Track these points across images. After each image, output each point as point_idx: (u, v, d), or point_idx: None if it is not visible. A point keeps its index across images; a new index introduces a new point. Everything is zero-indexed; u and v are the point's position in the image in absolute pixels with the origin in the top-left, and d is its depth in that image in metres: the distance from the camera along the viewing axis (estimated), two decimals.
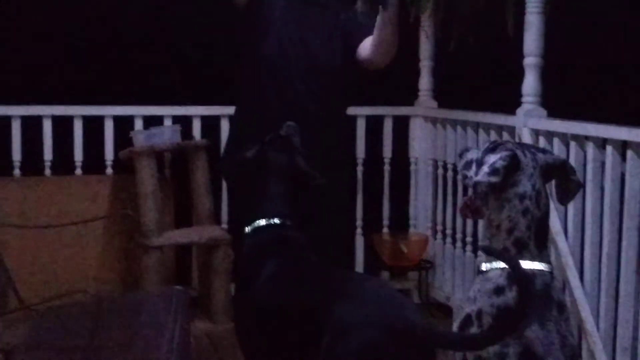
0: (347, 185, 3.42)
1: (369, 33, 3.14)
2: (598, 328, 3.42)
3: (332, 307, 2.27)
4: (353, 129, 4.78)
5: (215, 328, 4.34)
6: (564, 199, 2.39)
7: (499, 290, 2.20)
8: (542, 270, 2.23)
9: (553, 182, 2.38)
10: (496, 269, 2.23)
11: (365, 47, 3.19)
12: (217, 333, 4.30)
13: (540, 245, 2.25)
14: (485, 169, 2.23)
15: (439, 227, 4.84)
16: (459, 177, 2.47)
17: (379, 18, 3.03)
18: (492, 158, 2.25)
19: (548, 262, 2.26)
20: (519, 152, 2.26)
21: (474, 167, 2.32)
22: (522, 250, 2.23)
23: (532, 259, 2.23)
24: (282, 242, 2.64)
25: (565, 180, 2.33)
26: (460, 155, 2.45)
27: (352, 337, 2.20)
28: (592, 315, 3.44)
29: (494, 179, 2.21)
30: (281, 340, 2.44)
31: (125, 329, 2.52)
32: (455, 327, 2.28)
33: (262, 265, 2.55)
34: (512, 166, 2.23)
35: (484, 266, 2.27)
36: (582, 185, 2.41)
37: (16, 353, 2.37)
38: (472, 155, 2.37)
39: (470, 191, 2.41)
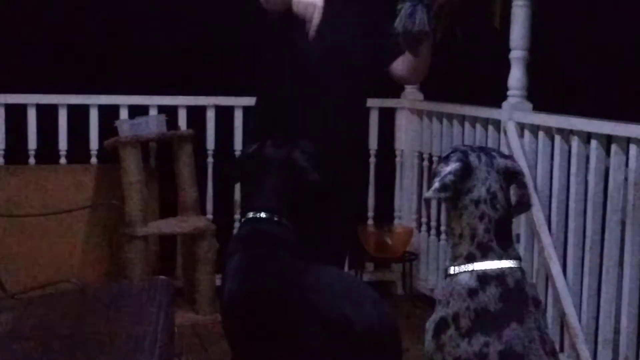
0: (360, 181, 3.41)
1: (403, 52, 3.09)
2: (580, 320, 3.44)
3: (288, 301, 2.41)
4: None
5: (200, 318, 4.34)
6: (516, 210, 2.36)
7: (472, 293, 2.20)
8: (511, 267, 2.23)
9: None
10: (465, 271, 2.23)
11: (400, 65, 3.12)
12: (201, 323, 4.30)
13: (505, 244, 2.24)
14: (436, 184, 2.23)
15: (424, 219, 4.85)
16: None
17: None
18: (444, 170, 2.24)
19: (516, 257, 2.25)
20: (472, 158, 2.24)
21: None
22: (487, 253, 2.23)
23: (499, 258, 2.23)
24: (253, 237, 2.69)
25: (520, 191, 2.31)
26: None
27: (308, 328, 2.35)
28: (574, 307, 3.46)
29: (443, 195, 2.22)
30: (246, 332, 2.51)
31: (108, 319, 2.52)
32: (430, 330, 2.27)
33: (230, 258, 2.65)
34: (464, 176, 2.23)
35: (452, 269, 2.26)
36: (529, 206, 2.37)
37: None
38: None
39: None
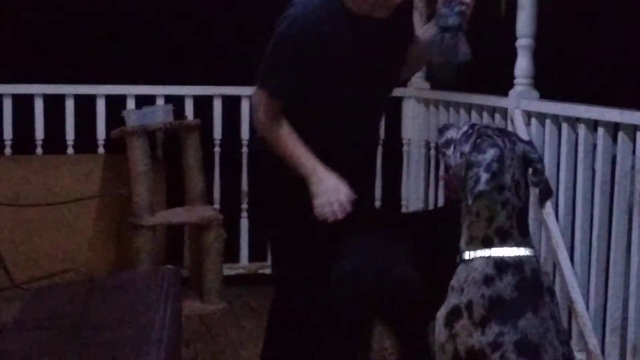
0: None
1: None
2: (588, 308, 3.44)
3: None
4: None
5: (207, 308, 4.35)
6: (542, 198, 2.37)
7: (488, 280, 2.18)
8: (529, 255, 2.21)
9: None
10: (481, 257, 2.20)
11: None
12: (208, 313, 4.31)
13: (524, 232, 2.23)
14: (485, 175, 2.16)
15: (431, 208, 4.84)
16: (440, 154, 2.43)
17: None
18: (482, 159, 2.20)
19: (532, 247, 2.24)
20: (499, 142, 2.22)
21: (452, 148, 2.30)
22: (507, 239, 2.20)
23: (518, 245, 2.21)
24: None
25: (537, 178, 2.28)
26: (441, 132, 2.39)
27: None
28: (582, 296, 3.46)
29: (493, 184, 2.18)
30: None
31: (116, 308, 2.52)
32: (441, 316, 2.25)
33: None
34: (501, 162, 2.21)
35: (467, 254, 2.23)
36: (552, 193, 2.37)
37: (6, 332, 2.37)
38: (452, 134, 2.33)
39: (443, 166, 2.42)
